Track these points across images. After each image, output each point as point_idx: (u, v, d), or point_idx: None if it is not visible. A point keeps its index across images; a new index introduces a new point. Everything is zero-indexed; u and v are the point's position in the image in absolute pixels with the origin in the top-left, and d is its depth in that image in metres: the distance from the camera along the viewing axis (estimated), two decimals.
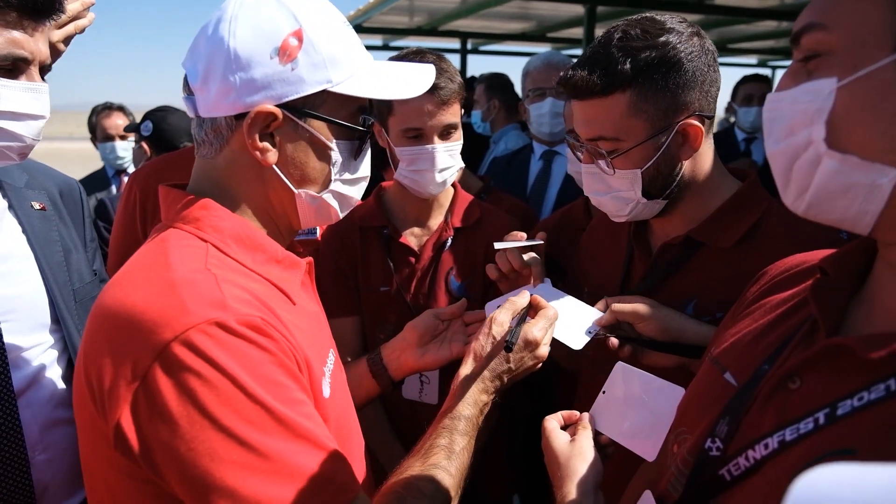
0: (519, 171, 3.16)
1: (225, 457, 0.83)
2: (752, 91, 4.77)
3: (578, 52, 7.56)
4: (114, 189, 4.44)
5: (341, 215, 1.17)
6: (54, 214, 1.57)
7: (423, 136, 1.78)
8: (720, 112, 5.31)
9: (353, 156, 1.13)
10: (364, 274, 1.91)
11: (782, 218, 1.34)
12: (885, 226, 0.73)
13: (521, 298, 1.32)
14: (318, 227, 2.07)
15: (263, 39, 0.99)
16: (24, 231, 1.47)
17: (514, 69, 4.42)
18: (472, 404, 1.17)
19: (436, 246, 1.92)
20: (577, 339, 1.39)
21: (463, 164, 1.91)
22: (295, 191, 1.08)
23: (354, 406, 1.26)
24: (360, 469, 1.16)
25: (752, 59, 12.17)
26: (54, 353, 1.47)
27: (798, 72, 0.77)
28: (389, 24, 8.25)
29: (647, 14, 1.35)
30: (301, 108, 1.03)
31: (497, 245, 1.60)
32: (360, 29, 7.56)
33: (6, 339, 1.36)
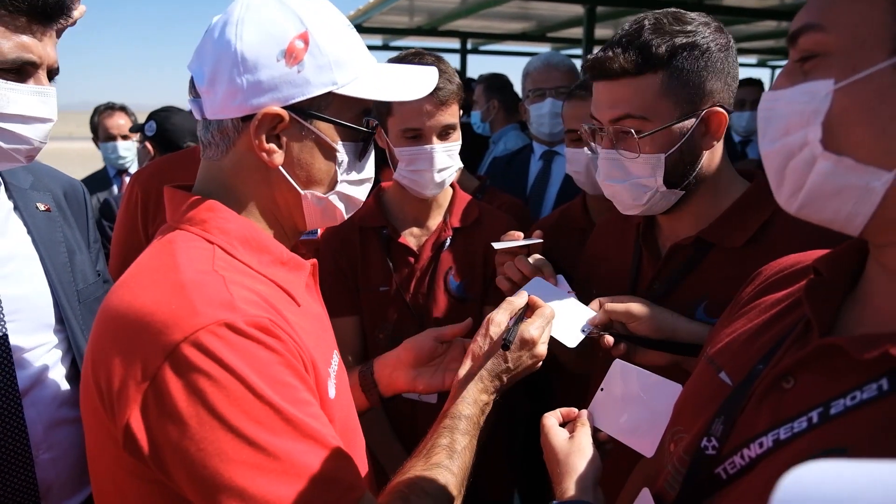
0: (519, 171, 3.17)
1: (234, 457, 0.84)
2: (744, 96, 4.77)
3: (578, 52, 7.54)
4: (115, 189, 4.45)
5: (346, 216, 1.18)
6: (59, 215, 1.58)
7: (422, 137, 1.79)
8: None
9: (358, 157, 1.14)
10: (364, 274, 1.92)
11: (792, 217, 1.35)
12: (876, 228, 0.73)
13: (519, 298, 1.33)
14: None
15: (270, 42, 1.00)
16: (29, 232, 1.48)
17: (513, 69, 4.42)
18: (471, 404, 1.18)
19: (435, 246, 1.93)
20: (572, 338, 1.40)
21: (461, 165, 1.92)
22: (301, 192, 1.09)
23: None
24: (363, 468, 1.17)
25: (752, 59, 12.17)
26: (58, 353, 1.48)
27: (794, 72, 0.77)
28: (389, 24, 8.25)
29: (674, 8, 1.38)
30: (307, 109, 1.04)
31: (496, 245, 1.61)
32: (360, 29, 7.55)
33: (11, 339, 1.38)
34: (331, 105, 1.06)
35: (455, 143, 1.85)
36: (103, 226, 3.69)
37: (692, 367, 1.08)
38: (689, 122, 1.35)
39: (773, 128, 0.78)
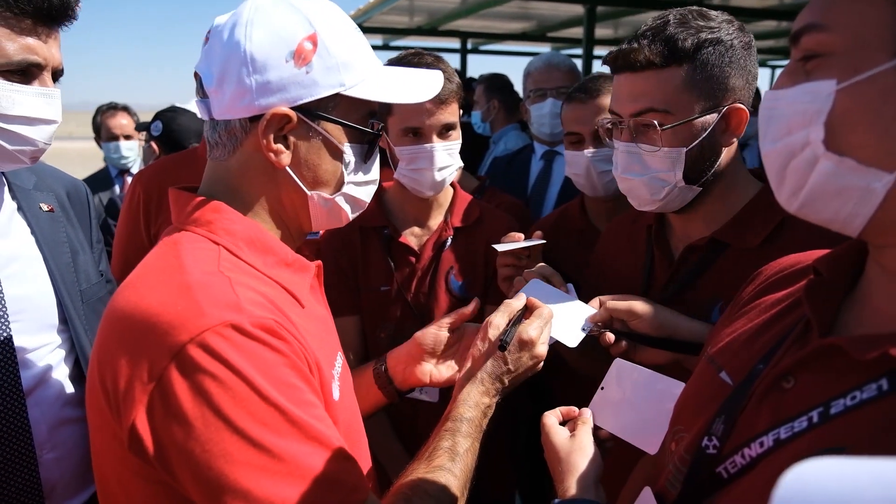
0: (520, 172, 3.17)
1: (239, 458, 0.84)
2: None
3: (578, 52, 7.54)
4: (117, 189, 4.46)
5: (352, 217, 1.18)
6: (62, 216, 1.59)
7: (422, 135, 1.80)
8: None
9: (364, 159, 1.15)
10: (364, 274, 1.92)
11: None
12: (875, 229, 0.73)
13: (517, 301, 1.34)
14: None
15: (279, 43, 1.00)
16: (32, 232, 1.48)
17: (514, 69, 4.43)
18: (472, 406, 1.18)
19: (436, 245, 1.93)
20: (572, 337, 1.40)
21: (462, 164, 1.93)
22: (308, 193, 1.09)
23: (362, 413, 1.27)
24: (367, 470, 1.17)
25: None
26: (62, 353, 1.49)
27: (796, 71, 0.76)
28: (389, 23, 8.25)
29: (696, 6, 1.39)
30: (314, 110, 1.05)
31: (497, 247, 1.62)
32: (360, 29, 7.57)
33: (15, 340, 1.38)
34: (338, 106, 1.07)
35: (455, 141, 1.85)
36: (109, 224, 3.70)
37: (693, 366, 1.09)
38: (711, 118, 1.35)
39: (775, 127, 0.78)
